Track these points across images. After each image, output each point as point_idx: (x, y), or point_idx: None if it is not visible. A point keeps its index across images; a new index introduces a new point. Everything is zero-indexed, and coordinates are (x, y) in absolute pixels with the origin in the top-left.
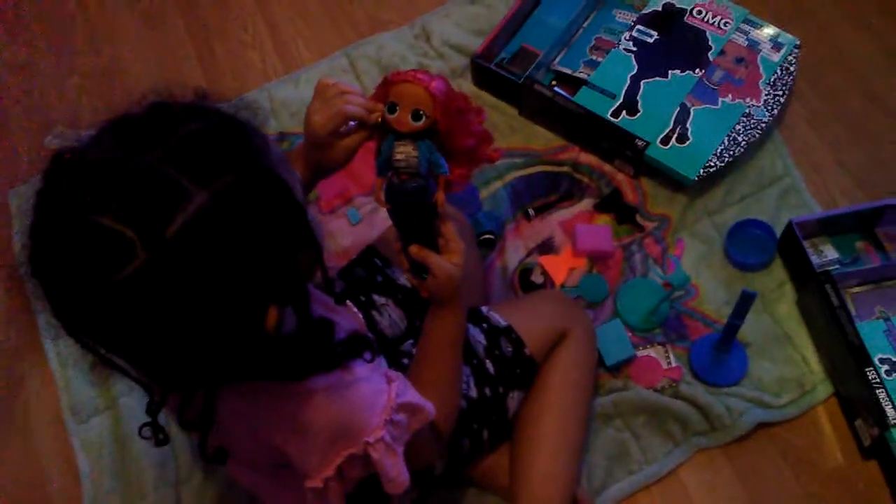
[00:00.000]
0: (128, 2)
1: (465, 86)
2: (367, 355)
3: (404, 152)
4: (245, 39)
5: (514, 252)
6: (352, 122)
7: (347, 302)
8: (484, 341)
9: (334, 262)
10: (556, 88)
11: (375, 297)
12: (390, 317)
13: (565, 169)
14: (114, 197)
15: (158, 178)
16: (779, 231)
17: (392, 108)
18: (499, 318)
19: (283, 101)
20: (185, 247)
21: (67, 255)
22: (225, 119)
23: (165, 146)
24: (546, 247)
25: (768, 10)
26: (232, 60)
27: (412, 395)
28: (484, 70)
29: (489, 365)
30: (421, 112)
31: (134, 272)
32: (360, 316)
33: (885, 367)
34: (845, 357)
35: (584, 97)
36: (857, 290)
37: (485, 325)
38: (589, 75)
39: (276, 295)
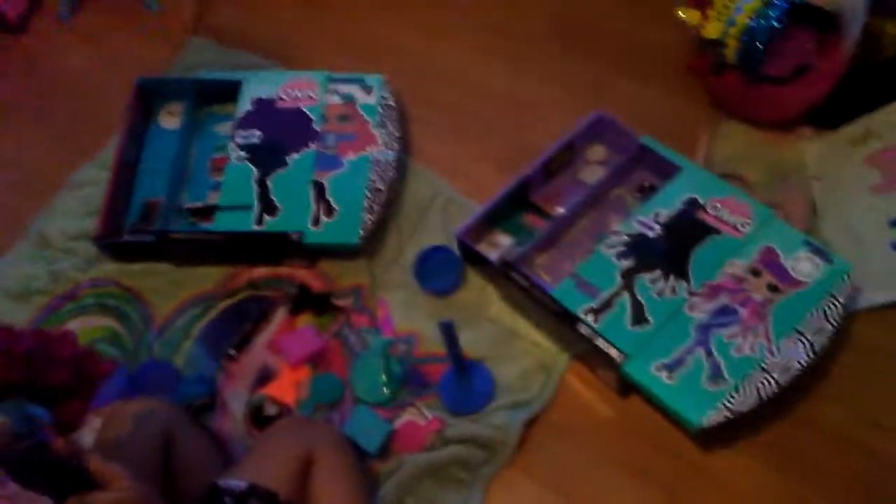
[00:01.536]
0: None
1: (109, 267)
2: None
3: None
4: None
5: (235, 399)
6: None
7: None
8: None
9: None
10: (196, 224)
11: None
12: None
13: (246, 293)
14: None
15: None
16: (455, 245)
17: None
18: (238, 483)
19: None
20: None
21: None
22: None
23: None
24: (264, 377)
25: (352, 52)
26: None
27: None
28: (116, 246)
29: None
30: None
31: None
32: None
33: (591, 316)
34: (559, 325)
35: (223, 222)
36: (542, 259)
37: (227, 499)
38: (218, 197)
39: None
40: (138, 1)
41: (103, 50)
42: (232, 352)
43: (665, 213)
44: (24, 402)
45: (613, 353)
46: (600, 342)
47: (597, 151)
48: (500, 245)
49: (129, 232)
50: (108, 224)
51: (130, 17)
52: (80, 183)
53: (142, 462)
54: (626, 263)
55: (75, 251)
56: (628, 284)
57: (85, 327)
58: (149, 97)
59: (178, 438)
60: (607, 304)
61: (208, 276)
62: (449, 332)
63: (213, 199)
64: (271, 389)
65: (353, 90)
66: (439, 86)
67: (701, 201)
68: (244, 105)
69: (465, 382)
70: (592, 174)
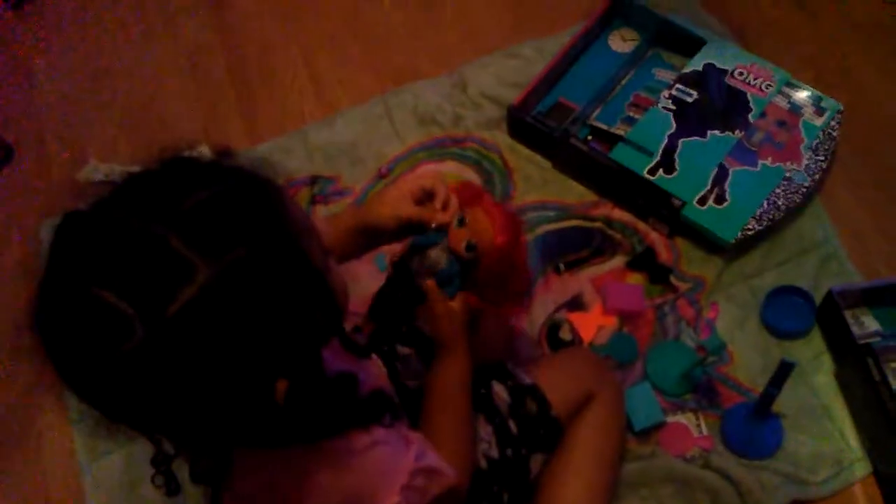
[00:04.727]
0: (172, 38)
1: (500, 137)
2: (387, 419)
3: (437, 257)
4: (286, 83)
5: (542, 307)
6: None
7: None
8: (508, 399)
9: (359, 308)
10: (591, 143)
11: (399, 347)
12: (414, 368)
13: (598, 224)
14: (118, 269)
15: (165, 251)
16: (818, 299)
17: (460, 223)
18: (524, 377)
19: (319, 144)
20: (187, 325)
21: (68, 325)
22: (242, 183)
23: (176, 214)
24: (575, 303)
25: (811, 74)
26: (271, 103)
27: (431, 458)
28: (519, 122)
29: (512, 425)
30: (474, 246)
31: (132, 349)
32: (384, 368)
33: None
34: (886, 435)
35: (620, 153)
36: None
37: (509, 382)
38: (626, 132)
39: (286, 368)
40: None
41: None
42: (562, 266)
43: None
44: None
45: None
46: None
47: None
48: (864, 324)
49: (535, 118)
50: (525, 102)
51: None
52: (515, 54)
53: None
54: None
55: (483, 108)
56: None
57: (456, 173)
58: (614, 11)
59: None
60: None
61: (574, 191)
62: (786, 371)
63: (619, 129)
64: (576, 318)
65: (805, 103)
66: (880, 144)
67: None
68: (696, 63)
69: (755, 425)
70: None
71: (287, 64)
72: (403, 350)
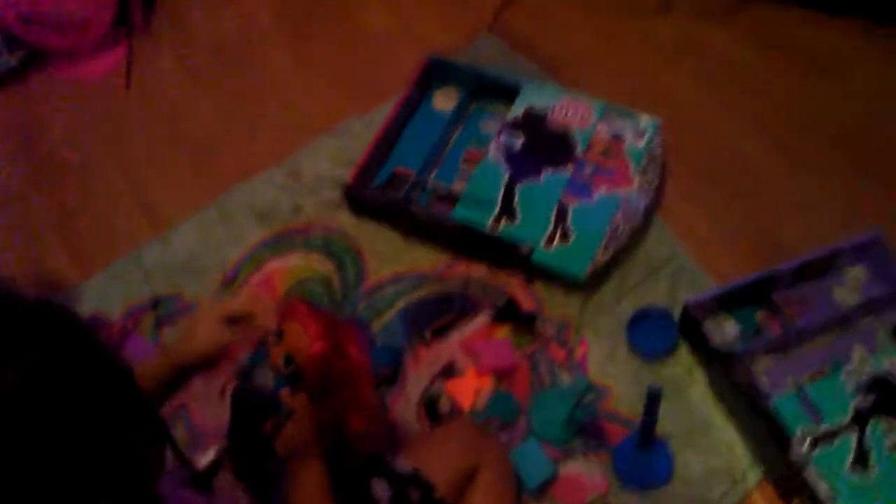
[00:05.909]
0: None
1: (344, 217)
2: None
3: (263, 377)
4: (109, 204)
5: (416, 383)
6: None
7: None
8: (389, 493)
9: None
10: (438, 204)
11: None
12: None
13: (456, 286)
14: None
15: None
16: (677, 314)
17: (278, 338)
18: (403, 464)
19: (156, 263)
20: None
21: None
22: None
23: None
24: (449, 371)
25: (628, 98)
26: (97, 230)
27: None
28: (359, 198)
29: None
30: (291, 360)
31: None
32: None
33: (807, 441)
34: (766, 437)
35: (462, 211)
36: (765, 362)
37: (388, 475)
38: (464, 188)
39: (105, 492)
40: None
41: (403, 19)
42: (427, 336)
43: None
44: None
45: (823, 488)
46: (810, 473)
47: (857, 273)
48: (725, 331)
49: (374, 192)
50: (360, 178)
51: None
52: (343, 132)
53: None
54: (865, 401)
55: (321, 192)
56: (861, 423)
57: (305, 264)
58: (430, 74)
59: None
60: (829, 436)
61: (428, 256)
62: (655, 398)
63: (458, 185)
64: (452, 386)
65: (626, 128)
66: (705, 149)
67: None
68: (517, 109)
69: (644, 455)
70: (847, 295)
71: (108, 184)
72: None
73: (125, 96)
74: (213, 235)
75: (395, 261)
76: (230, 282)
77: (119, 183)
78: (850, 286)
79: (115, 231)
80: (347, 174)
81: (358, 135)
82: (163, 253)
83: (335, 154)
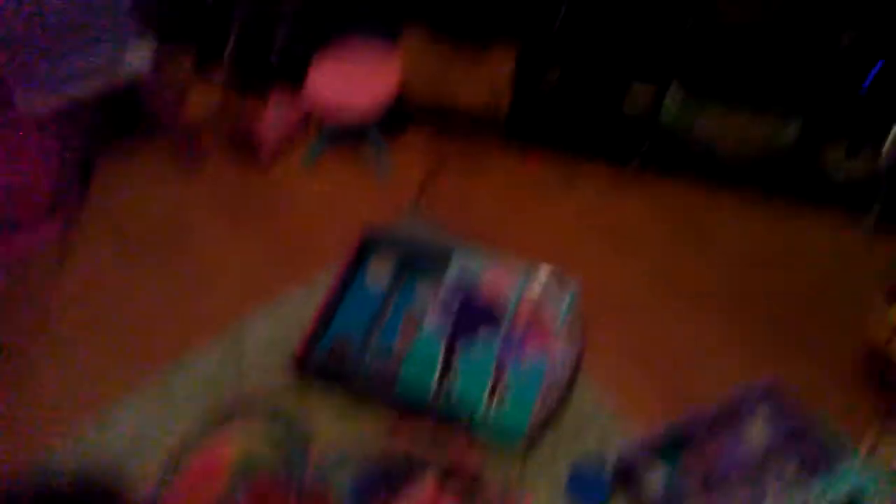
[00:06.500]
0: None
1: (290, 385)
2: None
3: None
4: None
5: None
6: None
7: None
8: None
9: None
10: (378, 369)
11: None
12: None
13: (401, 451)
14: None
15: None
16: (611, 465)
17: None
18: None
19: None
20: None
21: None
22: None
23: None
24: None
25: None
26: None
27: None
28: (303, 367)
29: None
30: None
31: None
32: None
33: None
34: None
35: (407, 373)
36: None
37: None
38: (406, 349)
39: None
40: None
41: (336, 198)
42: None
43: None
44: None
45: None
46: None
47: (761, 416)
48: (654, 477)
49: (319, 358)
50: (306, 347)
51: (363, 178)
52: (286, 301)
53: None
54: None
55: (265, 361)
56: None
57: (251, 433)
58: (365, 248)
59: None
60: None
61: (373, 417)
62: None
63: (400, 345)
64: None
65: (547, 291)
66: (615, 308)
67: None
68: (451, 276)
69: None
70: (754, 437)
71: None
72: None
73: (58, 273)
74: (151, 412)
75: (340, 424)
76: (174, 470)
77: (52, 365)
78: (756, 428)
79: (43, 418)
80: (292, 342)
81: (300, 303)
82: (99, 435)
83: (278, 322)
